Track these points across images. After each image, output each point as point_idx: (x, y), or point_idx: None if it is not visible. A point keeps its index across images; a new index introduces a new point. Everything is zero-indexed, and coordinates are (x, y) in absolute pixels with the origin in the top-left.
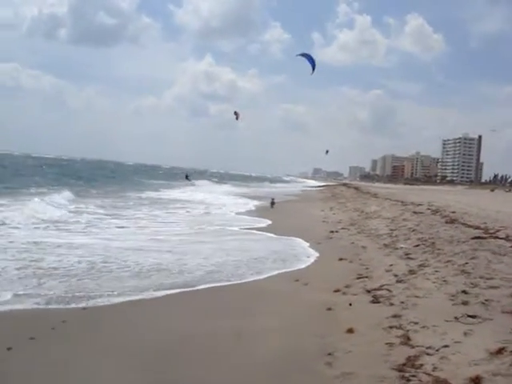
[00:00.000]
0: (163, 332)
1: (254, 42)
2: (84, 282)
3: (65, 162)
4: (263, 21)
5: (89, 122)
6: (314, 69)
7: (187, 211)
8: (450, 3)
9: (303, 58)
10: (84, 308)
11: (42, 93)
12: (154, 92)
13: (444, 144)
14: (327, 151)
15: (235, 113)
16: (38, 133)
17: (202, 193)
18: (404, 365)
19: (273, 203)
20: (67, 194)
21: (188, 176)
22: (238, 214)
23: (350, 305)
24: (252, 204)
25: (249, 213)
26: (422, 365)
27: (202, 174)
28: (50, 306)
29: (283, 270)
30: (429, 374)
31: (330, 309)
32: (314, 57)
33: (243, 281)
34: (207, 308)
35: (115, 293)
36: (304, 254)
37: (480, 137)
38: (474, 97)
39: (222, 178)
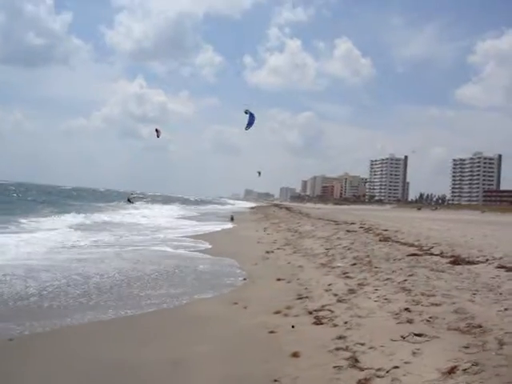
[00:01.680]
0: (95, 362)
1: (186, 64)
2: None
3: None
4: (195, 44)
5: (18, 144)
6: (249, 126)
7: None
8: (377, 28)
9: (247, 115)
10: (10, 339)
11: None
12: (84, 114)
13: (372, 164)
14: (259, 173)
15: (156, 130)
16: None
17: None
18: None
19: (232, 218)
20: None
21: (130, 199)
22: (178, 236)
23: (293, 327)
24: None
25: (186, 235)
26: None
27: (141, 197)
28: None
29: (221, 293)
30: None
31: (272, 332)
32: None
33: (177, 305)
34: (140, 335)
35: (41, 322)
36: (240, 275)
37: (406, 157)
38: (400, 119)
39: (159, 200)
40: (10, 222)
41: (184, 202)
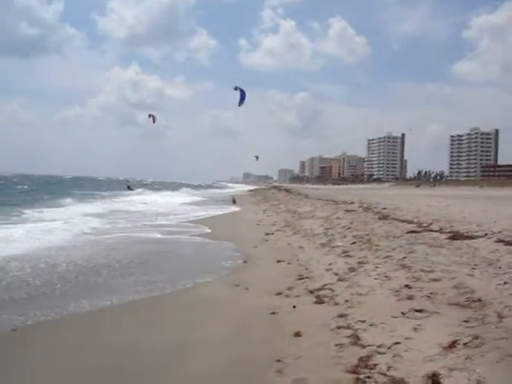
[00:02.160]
0: (100, 348)
1: (180, 49)
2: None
3: None
4: (189, 28)
5: (14, 135)
6: (241, 102)
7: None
8: (371, 6)
9: (238, 91)
10: (14, 330)
11: None
12: (80, 102)
13: (369, 143)
14: (257, 157)
15: (150, 115)
16: None
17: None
18: (357, 366)
19: (234, 201)
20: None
21: (130, 186)
22: (179, 221)
23: (294, 307)
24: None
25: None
26: (375, 365)
27: (141, 184)
28: None
29: (222, 276)
30: (384, 374)
31: (274, 313)
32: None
33: (180, 289)
34: (144, 321)
35: (45, 310)
36: (241, 258)
37: (403, 135)
38: (396, 96)
39: (159, 186)
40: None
41: (183, 187)
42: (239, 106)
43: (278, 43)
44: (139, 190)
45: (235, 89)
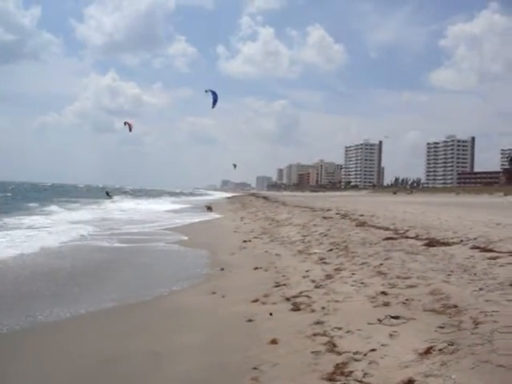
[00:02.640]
0: (75, 357)
1: (158, 56)
2: None
3: None
4: (168, 35)
5: None
6: (214, 104)
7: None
8: (348, 14)
9: (209, 94)
10: None
11: None
12: (56, 109)
13: (347, 150)
14: (235, 165)
15: (126, 123)
16: None
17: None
18: (333, 373)
19: (208, 207)
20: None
21: (108, 193)
22: (157, 229)
23: (271, 314)
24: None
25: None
26: (351, 372)
27: (120, 191)
28: None
29: (198, 284)
30: (360, 381)
31: (250, 320)
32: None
33: (156, 297)
34: (119, 328)
35: (23, 319)
36: (218, 265)
37: (380, 142)
38: (374, 104)
39: (138, 194)
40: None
41: (163, 194)
42: (213, 108)
43: (257, 51)
44: (118, 198)
45: (206, 91)
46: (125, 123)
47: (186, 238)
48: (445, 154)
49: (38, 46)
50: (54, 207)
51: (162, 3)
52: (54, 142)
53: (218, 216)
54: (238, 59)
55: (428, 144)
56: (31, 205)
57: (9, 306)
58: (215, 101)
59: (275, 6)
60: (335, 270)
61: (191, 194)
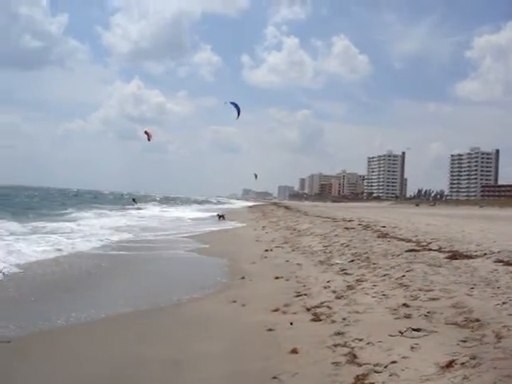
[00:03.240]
0: (94, 363)
1: (183, 64)
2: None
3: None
4: (193, 43)
5: (16, 147)
6: (238, 114)
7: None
8: (373, 25)
9: (232, 106)
10: (8, 342)
11: None
12: (81, 115)
13: (369, 161)
14: (256, 176)
15: (146, 132)
16: None
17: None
18: None
19: (220, 216)
20: None
21: (134, 200)
22: (177, 237)
23: (291, 324)
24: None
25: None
26: (371, 383)
27: (145, 198)
28: None
29: (219, 292)
30: None
31: (270, 329)
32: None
33: (175, 304)
34: (139, 335)
35: (40, 322)
36: (239, 274)
37: (403, 153)
38: (397, 115)
39: (161, 201)
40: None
41: (187, 202)
42: (237, 118)
43: (281, 60)
44: (144, 205)
45: (225, 103)
46: (145, 132)
47: (206, 246)
48: (469, 167)
49: (64, 53)
50: (84, 213)
51: (188, 12)
52: (78, 149)
53: (239, 225)
54: (263, 69)
55: (452, 156)
56: (63, 211)
57: (26, 309)
58: (238, 111)
59: (300, 16)
60: (356, 280)
61: (216, 203)
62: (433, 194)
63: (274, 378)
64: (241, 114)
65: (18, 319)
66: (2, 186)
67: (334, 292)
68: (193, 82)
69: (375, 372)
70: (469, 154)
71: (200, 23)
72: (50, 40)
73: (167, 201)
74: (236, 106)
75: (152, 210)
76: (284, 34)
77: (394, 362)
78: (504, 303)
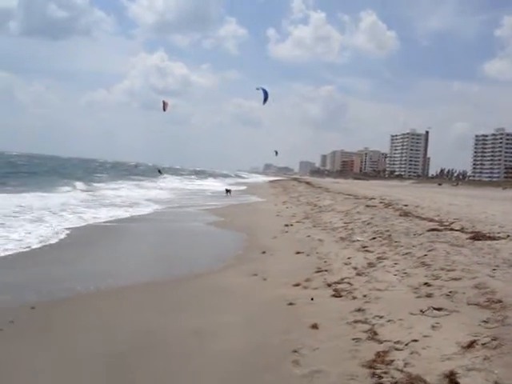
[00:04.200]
0: (116, 331)
1: (208, 37)
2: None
3: (34, 158)
4: (219, 16)
5: (40, 117)
6: (265, 101)
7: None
8: (402, 0)
9: (260, 90)
10: (32, 307)
11: None
12: (105, 86)
13: (392, 139)
14: (276, 152)
15: (163, 102)
16: None
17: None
18: (374, 361)
19: (227, 190)
20: None
21: (160, 171)
22: (198, 209)
23: (312, 299)
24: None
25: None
26: (392, 361)
27: (170, 170)
28: None
29: (240, 265)
30: (401, 371)
31: (291, 304)
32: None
33: (196, 276)
34: (160, 304)
35: (64, 289)
36: (260, 248)
37: (427, 132)
38: (423, 93)
39: (184, 173)
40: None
41: (210, 175)
42: (263, 104)
43: (308, 34)
44: (170, 176)
45: (257, 89)
46: (163, 102)
47: (227, 219)
48: (493, 147)
49: (89, 24)
50: (121, 184)
51: None
52: (102, 119)
53: (259, 199)
54: (288, 43)
55: (476, 136)
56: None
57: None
58: (266, 98)
59: None
60: (378, 258)
61: (233, 176)
62: (455, 174)
63: (294, 351)
64: (265, 87)
65: (39, 285)
66: (25, 154)
67: (355, 269)
68: (217, 55)
69: (396, 349)
70: (493, 134)
71: None
72: (75, 10)
73: (192, 173)
74: (265, 92)
75: (178, 183)
76: (311, 8)
77: (414, 341)
78: None
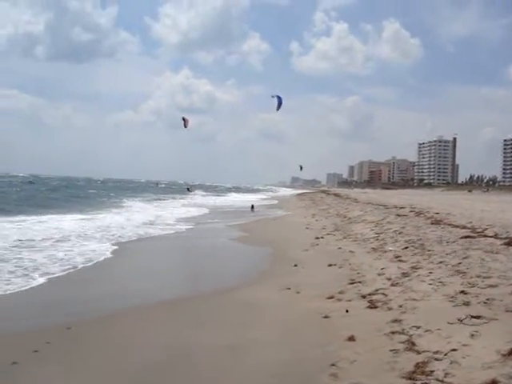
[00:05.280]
0: (151, 347)
1: (232, 53)
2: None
3: (70, 181)
4: (242, 32)
5: (69, 140)
6: (279, 107)
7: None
8: (423, 7)
9: (275, 98)
10: (68, 328)
11: (19, 112)
12: (131, 106)
13: (420, 147)
14: (301, 167)
15: (183, 119)
16: (15, 152)
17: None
18: (413, 372)
19: (252, 207)
20: None
21: (189, 189)
22: (226, 225)
23: (347, 311)
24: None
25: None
26: (432, 371)
27: (199, 187)
28: (31, 327)
29: (272, 279)
30: (441, 381)
31: (326, 317)
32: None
33: (228, 291)
34: (195, 320)
35: (98, 308)
36: (291, 261)
37: (455, 139)
38: (449, 100)
39: (213, 189)
40: None
41: (239, 190)
42: (277, 110)
43: (331, 46)
44: (199, 193)
45: (272, 96)
46: (182, 118)
47: (257, 233)
48: None
49: (114, 45)
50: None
51: (237, 0)
52: (129, 140)
53: (289, 213)
54: (312, 55)
55: (505, 141)
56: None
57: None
58: (280, 103)
59: (349, 2)
60: (411, 268)
61: (264, 191)
62: (485, 180)
63: (332, 365)
64: (289, 102)
65: (74, 306)
66: (58, 177)
67: (389, 279)
68: (241, 71)
69: (435, 360)
70: None
71: (249, 11)
72: (100, 32)
73: (219, 190)
74: (279, 98)
75: (206, 199)
76: (333, 20)
77: (454, 350)
78: None
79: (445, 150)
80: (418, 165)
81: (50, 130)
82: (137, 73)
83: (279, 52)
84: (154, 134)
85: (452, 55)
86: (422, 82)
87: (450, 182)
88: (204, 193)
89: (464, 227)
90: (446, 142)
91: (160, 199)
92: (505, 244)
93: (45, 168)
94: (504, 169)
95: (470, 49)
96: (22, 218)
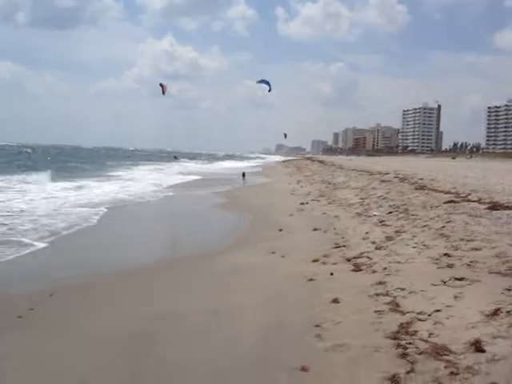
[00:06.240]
0: (135, 312)
1: (217, 19)
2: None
3: (53, 148)
4: None
5: (50, 107)
6: (270, 86)
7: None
8: None
9: (262, 84)
10: (51, 294)
11: (1, 80)
12: (114, 74)
13: (404, 114)
14: (285, 135)
15: (161, 85)
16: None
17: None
18: (398, 332)
19: (243, 174)
20: None
21: (176, 156)
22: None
23: (332, 274)
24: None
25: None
26: (416, 331)
27: (184, 155)
28: (14, 293)
29: (257, 243)
30: (426, 341)
31: (311, 279)
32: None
33: (213, 255)
34: (179, 285)
35: (81, 274)
36: (277, 226)
37: (439, 106)
38: (434, 66)
39: (198, 157)
40: None
41: (226, 158)
42: (269, 91)
43: (316, 12)
44: (186, 161)
45: (258, 82)
46: (160, 84)
47: (245, 200)
48: (506, 119)
49: (96, 12)
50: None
51: None
52: (112, 107)
53: (274, 179)
54: (297, 21)
55: (489, 108)
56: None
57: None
58: (268, 83)
59: None
60: (396, 232)
61: (249, 158)
62: (469, 147)
63: (317, 326)
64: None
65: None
66: (47, 145)
67: (374, 243)
68: (226, 37)
69: (419, 320)
70: (506, 105)
71: None
72: None
73: (204, 157)
74: (267, 82)
75: (194, 166)
76: None
77: (437, 311)
78: None
79: (429, 117)
80: (403, 132)
81: (34, 99)
82: (120, 40)
83: (265, 18)
84: (138, 101)
85: (437, 22)
86: (407, 48)
87: (434, 149)
88: (195, 161)
89: (448, 192)
90: (430, 109)
91: (158, 169)
92: (488, 208)
93: (30, 137)
94: (488, 136)
95: (456, 16)
96: (82, 182)
